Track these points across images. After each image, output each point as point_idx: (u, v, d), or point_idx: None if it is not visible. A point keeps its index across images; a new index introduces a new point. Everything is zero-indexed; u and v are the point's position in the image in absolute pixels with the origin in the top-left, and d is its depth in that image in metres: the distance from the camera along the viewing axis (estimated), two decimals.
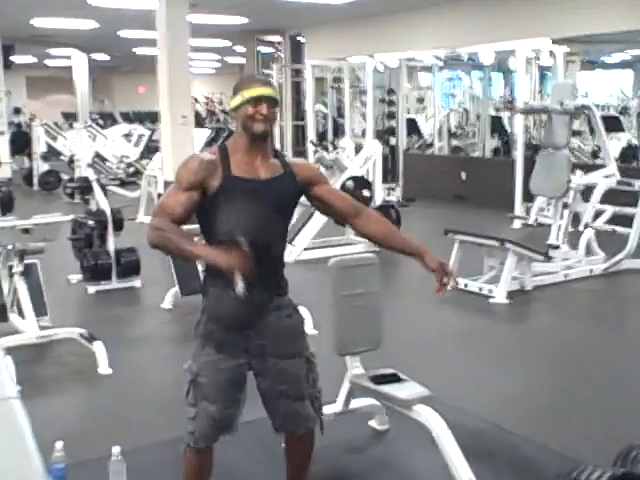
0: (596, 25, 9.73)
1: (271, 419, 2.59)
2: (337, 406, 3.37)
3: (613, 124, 12.73)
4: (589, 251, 7.04)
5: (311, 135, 12.55)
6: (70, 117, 18.31)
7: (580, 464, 2.30)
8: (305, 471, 2.77)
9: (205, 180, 2.37)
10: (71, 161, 12.93)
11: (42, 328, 4.78)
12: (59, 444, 2.98)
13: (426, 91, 17.39)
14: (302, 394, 2.53)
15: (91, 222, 6.28)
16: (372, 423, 3.64)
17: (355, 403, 3.43)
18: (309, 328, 3.39)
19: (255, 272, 2.24)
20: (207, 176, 2.37)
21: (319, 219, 7.74)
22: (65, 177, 12.87)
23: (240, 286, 2.17)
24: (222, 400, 2.45)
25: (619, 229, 6.93)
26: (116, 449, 3.00)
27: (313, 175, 2.56)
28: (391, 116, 12.25)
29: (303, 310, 2.59)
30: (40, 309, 4.93)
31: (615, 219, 7.17)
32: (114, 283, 6.40)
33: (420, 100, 17.58)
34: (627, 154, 11.94)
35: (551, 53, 9.66)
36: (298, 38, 15.06)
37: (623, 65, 17.76)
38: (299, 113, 15.07)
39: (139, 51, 18.56)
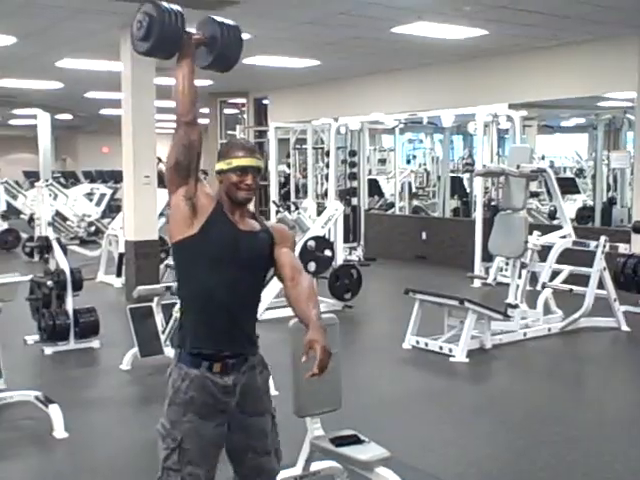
0: (551, 92, 10.08)
1: (235, 471, 2.57)
2: (297, 469, 3.34)
3: (569, 186, 13.07)
4: (547, 310, 7.15)
5: (274, 195, 12.64)
6: (31, 175, 18.21)
7: None
8: None
9: (200, 198, 2.41)
10: (31, 220, 12.83)
11: None
12: None
13: (388, 152, 17.72)
14: (268, 449, 2.53)
15: (49, 282, 6.21)
16: None
17: (316, 465, 3.39)
18: (271, 389, 3.38)
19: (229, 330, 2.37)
20: (204, 200, 2.43)
21: None
22: (25, 236, 12.76)
23: None
24: (207, 463, 2.43)
25: (576, 288, 7.05)
26: None
27: (281, 237, 2.58)
28: (353, 177, 12.42)
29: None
30: None
31: (572, 279, 7.30)
32: (72, 344, 6.30)
33: (382, 161, 17.89)
34: (583, 215, 12.21)
35: (508, 117, 9.94)
36: (263, 101, 15.29)
37: (579, 129, 18.29)
38: (262, 173, 15.19)
39: (104, 111, 18.64)
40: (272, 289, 7.67)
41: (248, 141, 2.76)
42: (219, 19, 2.51)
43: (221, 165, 2.47)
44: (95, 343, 6.43)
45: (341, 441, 3.15)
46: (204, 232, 2.40)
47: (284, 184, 14.89)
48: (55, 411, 4.41)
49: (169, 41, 2.44)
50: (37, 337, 6.35)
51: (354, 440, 3.16)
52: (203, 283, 2.40)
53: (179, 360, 2.44)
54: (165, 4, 2.44)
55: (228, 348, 2.42)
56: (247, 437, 2.49)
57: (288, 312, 3.68)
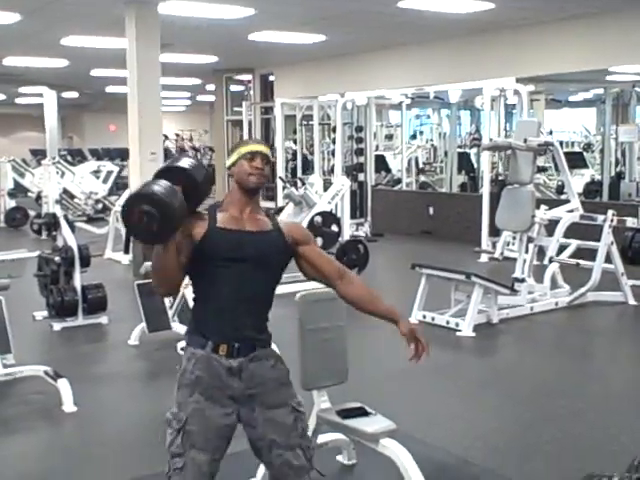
0: (558, 65, 10.01)
1: (268, 470, 2.55)
2: None
3: (577, 160, 13.02)
4: (554, 284, 7.14)
5: (280, 171, 12.62)
6: (38, 154, 18.23)
7: None
8: None
9: (189, 228, 2.39)
10: (38, 197, 12.88)
11: (6, 366, 4.72)
12: None
13: (395, 128, 17.65)
14: (291, 444, 2.46)
15: (57, 258, 6.23)
16: (340, 458, 3.64)
17: (322, 438, 3.42)
18: None
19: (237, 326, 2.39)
20: (191, 226, 2.40)
21: None
22: (32, 213, 12.80)
23: None
24: (211, 450, 2.38)
25: (583, 262, 7.04)
26: None
27: (302, 235, 2.60)
28: (360, 153, 12.39)
29: (272, 346, 2.59)
30: (4, 346, 4.86)
31: (579, 253, 7.29)
32: (80, 320, 6.34)
33: (389, 137, 17.82)
34: (590, 189, 12.16)
35: (516, 92, 9.87)
36: (269, 77, 15.21)
37: (587, 103, 18.17)
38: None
39: (110, 89, 18.58)
40: None
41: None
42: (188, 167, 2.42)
43: (232, 157, 2.54)
44: (103, 319, 6.46)
45: (347, 413, 3.16)
46: (206, 239, 2.40)
47: (291, 160, 14.87)
48: (64, 385, 4.45)
49: (176, 223, 2.30)
50: (45, 313, 6.39)
51: (360, 412, 3.18)
52: (210, 281, 2.41)
53: (188, 344, 2.47)
54: (163, 193, 2.26)
55: (233, 341, 2.42)
56: (268, 431, 2.43)
57: (294, 288, 3.69)
